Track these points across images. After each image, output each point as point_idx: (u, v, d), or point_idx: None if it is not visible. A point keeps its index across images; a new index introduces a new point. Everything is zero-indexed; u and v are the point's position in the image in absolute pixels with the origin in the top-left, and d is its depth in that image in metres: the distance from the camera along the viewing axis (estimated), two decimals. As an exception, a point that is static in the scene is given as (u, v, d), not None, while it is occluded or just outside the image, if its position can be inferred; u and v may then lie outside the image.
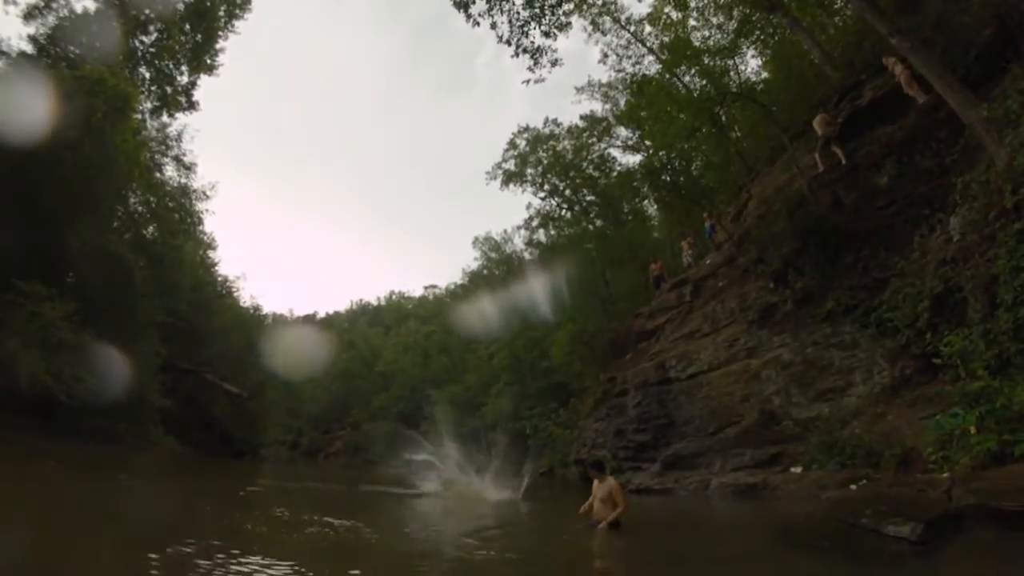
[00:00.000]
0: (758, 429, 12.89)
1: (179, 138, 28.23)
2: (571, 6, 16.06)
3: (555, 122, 30.21)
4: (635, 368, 17.77)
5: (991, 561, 4.77)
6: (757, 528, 9.12)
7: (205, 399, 28.38)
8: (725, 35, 19.76)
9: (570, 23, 15.57)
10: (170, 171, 28.29)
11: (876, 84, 12.58)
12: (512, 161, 30.55)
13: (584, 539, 8.02)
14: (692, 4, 20.03)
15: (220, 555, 5.15)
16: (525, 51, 15.35)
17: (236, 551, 5.35)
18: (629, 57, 23.63)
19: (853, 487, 9.23)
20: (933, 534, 5.36)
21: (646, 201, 28.75)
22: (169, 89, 26.84)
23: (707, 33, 20.79)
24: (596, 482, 8.49)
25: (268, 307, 74.39)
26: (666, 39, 21.09)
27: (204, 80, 28.31)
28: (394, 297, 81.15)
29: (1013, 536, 4.85)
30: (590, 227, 28.73)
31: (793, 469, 11.32)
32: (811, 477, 10.56)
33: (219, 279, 34.18)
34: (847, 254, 12.21)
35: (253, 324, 38.17)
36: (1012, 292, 7.88)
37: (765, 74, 20.87)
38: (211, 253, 33.59)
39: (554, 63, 15.62)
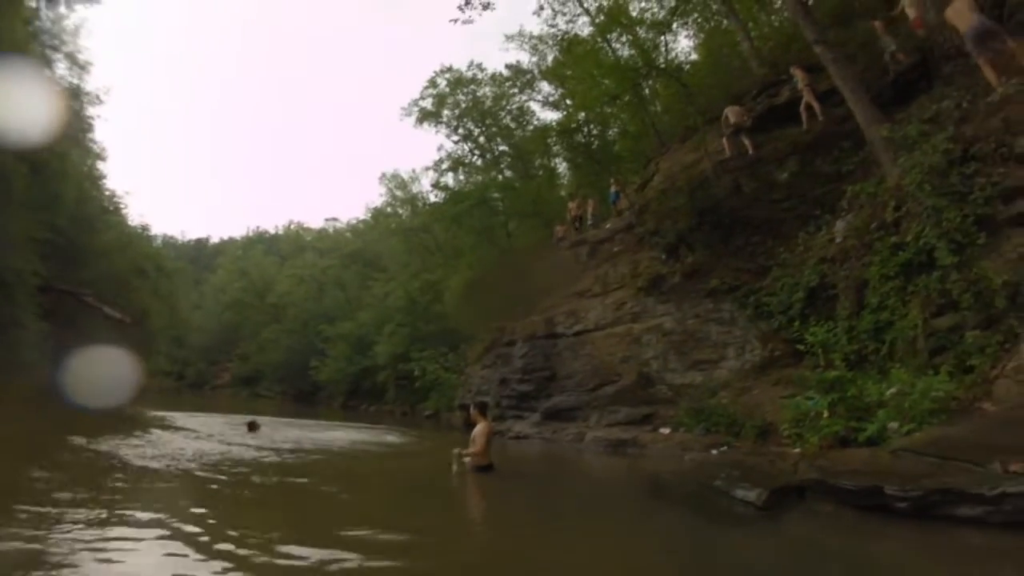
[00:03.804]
0: (634, 389, 13.64)
1: (75, 33, 24.85)
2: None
3: (479, 67, 29.61)
4: (525, 320, 18.17)
5: (825, 529, 5.24)
6: (624, 479, 9.79)
7: (85, 324, 25.76)
8: (662, 9, 20.00)
9: (514, -34, 15.25)
10: (61, 69, 25.06)
11: (793, 86, 13.27)
12: (430, 100, 29.71)
13: (462, 480, 8.36)
14: (637, -27, 20.07)
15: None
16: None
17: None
18: (564, 14, 23.24)
19: (714, 452, 9.99)
20: (776, 501, 5.81)
21: (557, 159, 29.07)
22: (71, -25, 22.87)
23: (645, 5, 20.97)
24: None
25: (157, 228, 70.29)
26: (604, 3, 21.05)
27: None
28: (292, 227, 78.14)
29: (848, 511, 5.31)
30: (499, 177, 28.60)
31: (662, 430, 12.09)
32: (678, 439, 11.35)
33: (106, 193, 31.46)
34: (738, 238, 12.99)
35: (140, 245, 35.72)
36: (878, 297, 8.75)
37: (694, 56, 21.44)
38: (99, 164, 30.77)
39: (486, 6, 15.25)
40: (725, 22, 17.97)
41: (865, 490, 5.27)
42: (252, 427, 13.36)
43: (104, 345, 21.30)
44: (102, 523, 4.48)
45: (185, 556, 3.82)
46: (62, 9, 23.84)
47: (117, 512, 4.92)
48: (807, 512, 5.70)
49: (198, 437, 11.66)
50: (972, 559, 4.16)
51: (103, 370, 17.03)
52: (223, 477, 7.22)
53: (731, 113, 14.07)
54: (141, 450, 8.80)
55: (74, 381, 12.81)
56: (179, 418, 15.15)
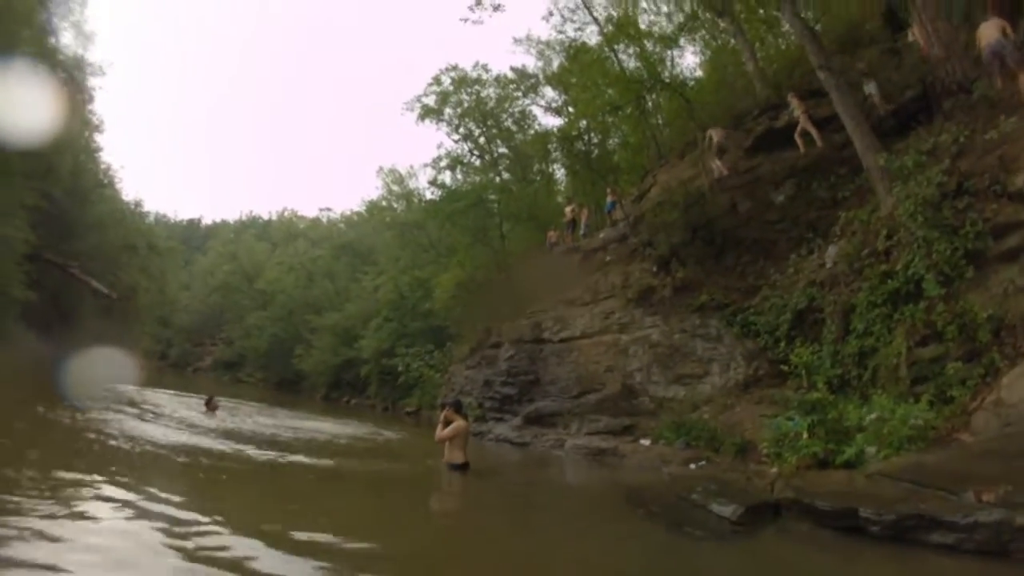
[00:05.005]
0: (617, 399, 13.68)
1: (83, 2, 24.84)
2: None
3: (484, 67, 29.45)
4: (513, 323, 18.19)
5: (798, 548, 5.27)
6: (601, 488, 9.83)
7: (71, 297, 25.86)
8: (670, 24, 20.19)
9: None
10: (67, 38, 24.84)
11: (791, 112, 13.41)
12: (433, 97, 29.49)
13: (435, 478, 8.37)
14: (648, -14, 20.29)
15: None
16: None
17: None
18: (574, 21, 23.44)
19: (692, 466, 10.00)
20: (751, 518, 5.84)
21: (556, 165, 29.17)
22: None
23: (654, 18, 21.19)
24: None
25: (150, 205, 69.70)
26: (614, 13, 21.19)
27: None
28: (286, 214, 77.82)
29: (823, 531, 5.34)
30: (497, 179, 28.63)
31: (643, 441, 12.12)
32: (657, 451, 11.37)
33: (101, 167, 31.37)
34: (729, 256, 13.16)
35: (132, 221, 35.37)
36: (864, 323, 8.87)
37: (698, 72, 21.64)
38: (96, 136, 30.53)
39: (496, 7, 15.41)
40: (732, 41, 18.15)
41: (840, 512, 5.32)
42: (210, 405, 13.24)
43: (100, 345, 21.11)
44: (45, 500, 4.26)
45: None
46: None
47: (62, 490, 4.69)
48: (781, 530, 5.72)
49: (158, 416, 11.42)
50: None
51: (101, 372, 16.79)
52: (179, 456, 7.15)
53: (715, 133, 14.27)
54: (100, 426, 8.59)
55: (73, 382, 12.68)
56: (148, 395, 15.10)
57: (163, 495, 4.95)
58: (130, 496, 4.69)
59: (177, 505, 4.63)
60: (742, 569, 4.88)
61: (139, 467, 6.30)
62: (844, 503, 5.41)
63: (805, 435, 8.03)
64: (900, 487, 5.45)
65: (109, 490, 4.82)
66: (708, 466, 9.85)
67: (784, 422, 8.60)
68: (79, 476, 5.27)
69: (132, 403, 12.46)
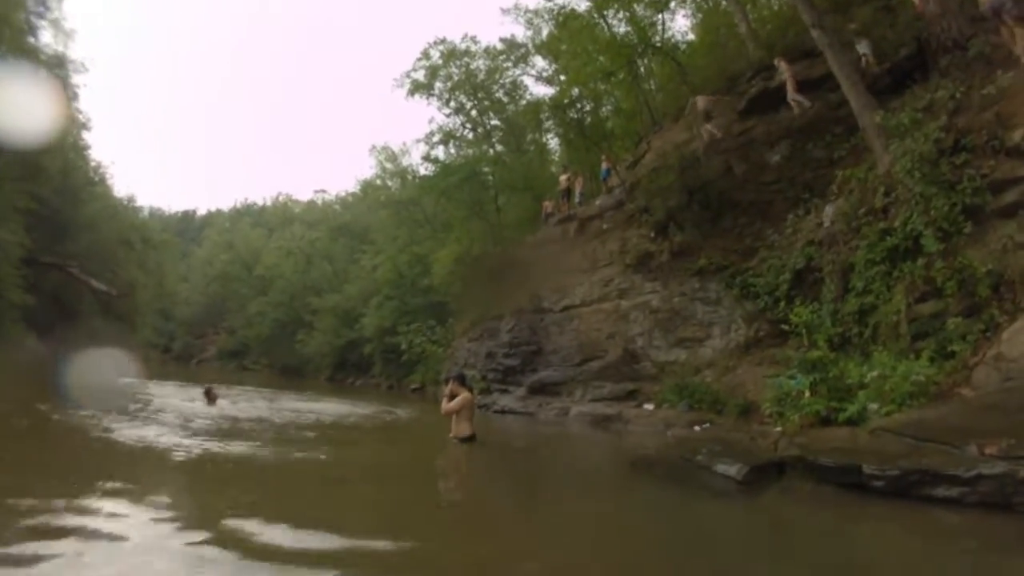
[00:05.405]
0: (619, 365, 13.81)
1: None
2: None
3: (473, 39, 29.28)
4: (512, 294, 18.22)
5: (802, 505, 5.33)
6: (607, 453, 9.92)
7: (71, 296, 25.98)
8: (661, -14, 19.90)
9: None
10: (47, 37, 24.57)
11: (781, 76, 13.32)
12: (422, 71, 29.42)
13: (443, 451, 8.39)
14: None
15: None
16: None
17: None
18: (562, -13, 23.20)
19: (697, 428, 10.17)
20: (756, 477, 5.88)
21: (549, 135, 29.03)
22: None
23: (643, -19, 20.87)
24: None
25: (143, 200, 69.38)
26: (603, -23, 20.87)
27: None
28: (281, 199, 77.57)
29: (826, 488, 5.38)
30: (490, 151, 28.57)
31: (647, 406, 12.28)
32: (661, 415, 11.54)
33: (91, 164, 31.35)
34: (727, 219, 13.13)
35: (126, 217, 35.51)
36: (863, 281, 8.92)
37: (690, 36, 21.40)
38: (84, 135, 30.36)
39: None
40: (723, 3, 17.95)
41: (843, 468, 5.38)
42: (209, 394, 12.95)
43: (101, 342, 21.04)
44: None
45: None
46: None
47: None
48: (786, 488, 5.77)
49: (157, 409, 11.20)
50: (945, 537, 4.27)
51: (102, 368, 16.80)
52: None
53: (700, 100, 14.21)
54: (99, 422, 8.50)
55: (74, 380, 12.65)
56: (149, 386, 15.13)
57: (160, 491, 4.82)
58: (125, 495, 4.49)
59: (173, 503, 4.43)
60: (746, 527, 4.94)
61: (136, 463, 6.14)
62: (847, 459, 5.46)
63: (807, 394, 8.13)
64: (903, 442, 5.51)
65: (105, 487, 4.61)
66: (712, 428, 10.00)
67: (786, 381, 8.69)
68: (75, 474, 5.14)
69: (132, 397, 12.30)
